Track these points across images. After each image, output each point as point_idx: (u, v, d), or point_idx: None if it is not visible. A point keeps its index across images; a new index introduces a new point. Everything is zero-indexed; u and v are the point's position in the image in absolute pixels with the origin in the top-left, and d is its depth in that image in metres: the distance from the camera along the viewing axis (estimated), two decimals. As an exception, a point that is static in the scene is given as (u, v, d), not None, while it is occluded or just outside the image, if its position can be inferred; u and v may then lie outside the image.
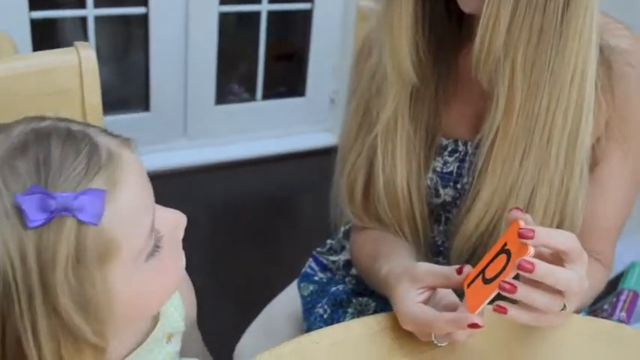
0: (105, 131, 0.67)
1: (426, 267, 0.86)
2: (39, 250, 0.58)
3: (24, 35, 2.31)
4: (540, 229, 0.76)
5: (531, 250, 0.75)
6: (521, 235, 0.75)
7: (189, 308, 0.89)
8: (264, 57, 2.86)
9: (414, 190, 1.04)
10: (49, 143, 0.61)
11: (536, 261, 0.74)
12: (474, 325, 0.77)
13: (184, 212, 0.72)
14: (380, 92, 1.02)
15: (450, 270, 0.84)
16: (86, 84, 1.04)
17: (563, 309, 0.78)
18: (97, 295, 0.62)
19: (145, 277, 0.66)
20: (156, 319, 0.79)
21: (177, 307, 0.84)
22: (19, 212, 0.58)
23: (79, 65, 1.02)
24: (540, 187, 0.95)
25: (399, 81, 0.99)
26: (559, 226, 0.96)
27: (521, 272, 0.75)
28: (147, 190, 0.67)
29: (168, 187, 2.69)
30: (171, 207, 0.71)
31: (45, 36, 2.49)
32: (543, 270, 0.75)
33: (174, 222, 0.71)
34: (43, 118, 0.65)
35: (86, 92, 1.04)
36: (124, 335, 0.72)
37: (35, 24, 2.35)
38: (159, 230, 0.68)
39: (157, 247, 0.67)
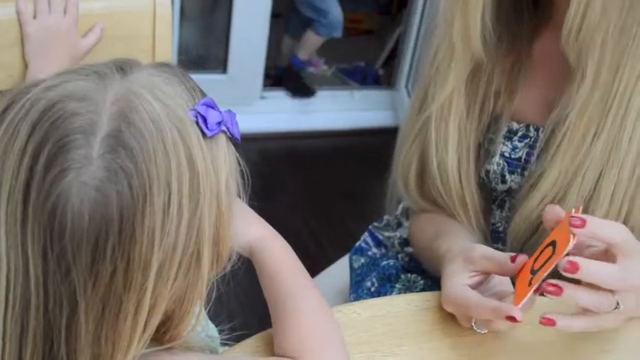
0: None
1: (482, 250, 0.83)
2: (212, 159, 0.61)
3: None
4: (592, 219, 0.72)
5: (571, 243, 0.70)
6: (571, 223, 0.71)
7: None
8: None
9: (464, 174, 1.01)
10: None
11: (579, 259, 0.71)
12: (511, 319, 0.74)
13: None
14: (439, 70, 0.99)
15: (505, 257, 0.80)
16: (158, 31, 1.04)
17: (616, 307, 0.74)
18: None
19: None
20: None
21: None
22: (195, 123, 0.61)
23: (153, 11, 1.02)
24: (609, 171, 0.90)
25: (464, 58, 0.95)
26: (627, 216, 0.91)
27: (565, 274, 0.71)
28: None
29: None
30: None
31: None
32: (585, 269, 0.71)
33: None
34: None
35: (157, 40, 1.04)
36: None
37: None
38: None
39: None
